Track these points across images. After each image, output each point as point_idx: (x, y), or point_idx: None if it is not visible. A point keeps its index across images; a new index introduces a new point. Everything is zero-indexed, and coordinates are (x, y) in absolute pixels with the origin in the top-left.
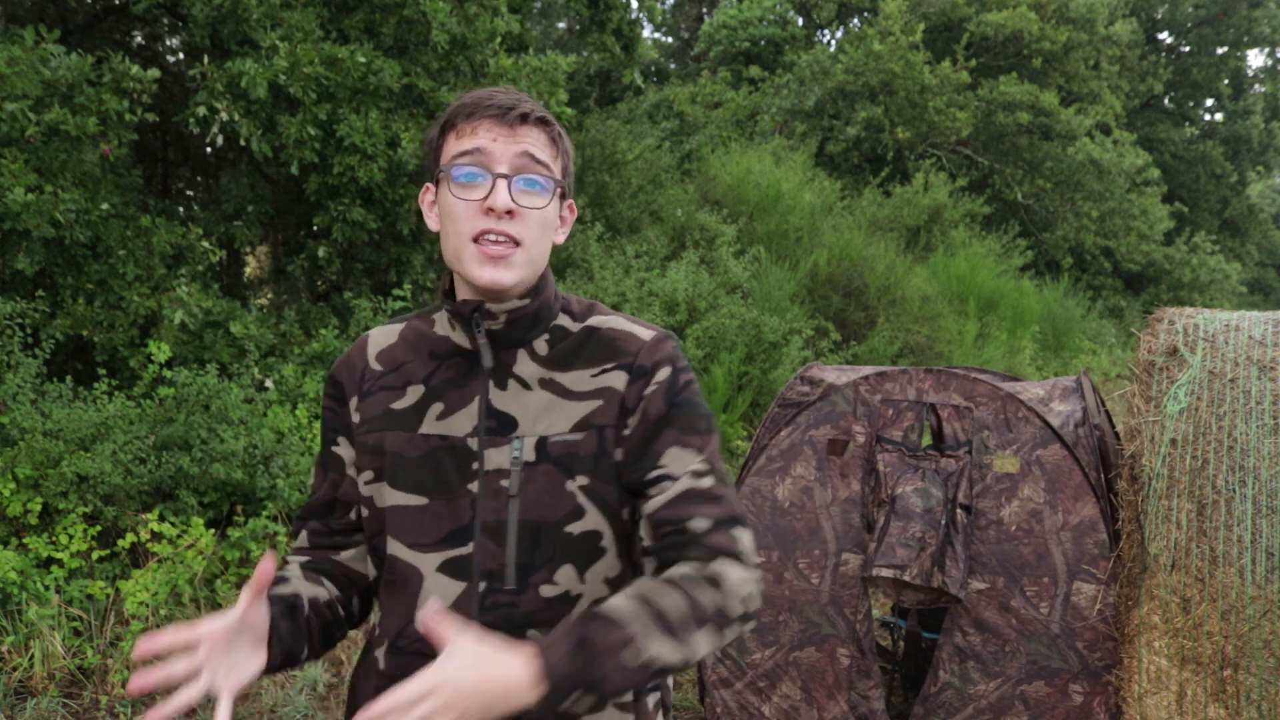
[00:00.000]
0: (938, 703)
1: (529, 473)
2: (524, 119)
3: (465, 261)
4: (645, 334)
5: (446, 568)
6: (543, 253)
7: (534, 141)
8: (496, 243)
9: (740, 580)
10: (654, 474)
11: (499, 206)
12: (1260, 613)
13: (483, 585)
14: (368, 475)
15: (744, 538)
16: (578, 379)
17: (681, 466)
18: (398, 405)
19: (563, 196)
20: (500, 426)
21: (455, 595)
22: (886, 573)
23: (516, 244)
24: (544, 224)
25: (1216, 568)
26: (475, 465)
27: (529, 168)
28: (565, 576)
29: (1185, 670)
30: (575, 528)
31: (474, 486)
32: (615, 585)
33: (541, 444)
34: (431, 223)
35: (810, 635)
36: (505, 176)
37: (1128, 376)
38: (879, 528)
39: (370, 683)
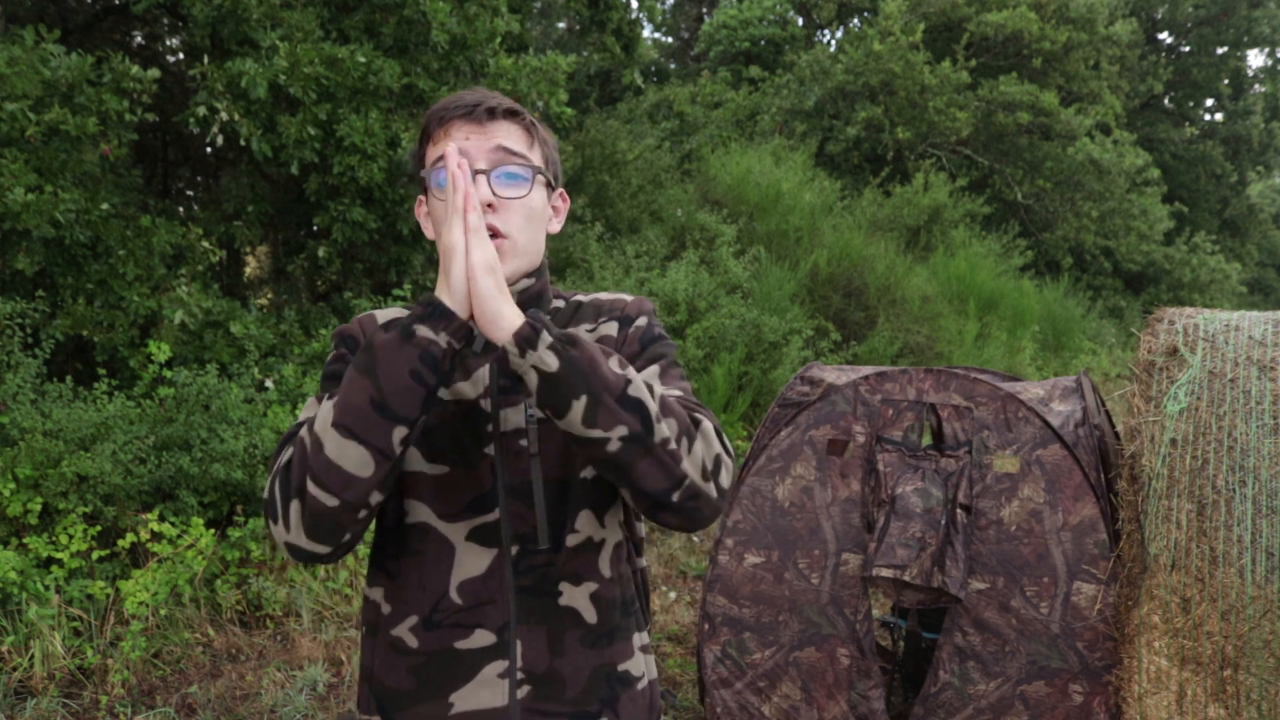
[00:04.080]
0: (938, 703)
1: (545, 429)
2: (492, 114)
3: None
4: (628, 297)
5: (475, 536)
6: (532, 242)
7: (506, 134)
8: None
9: (710, 429)
10: None
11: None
12: (1260, 613)
13: (515, 549)
14: None
15: (706, 419)
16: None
17: (652, 377)
18: None
19: (549, 186)
20: (514, 385)
21: (487, 563)
22: (886, 573)
23: (502, 237)
24: (529, 214)
25: (1216, 568)
26: (490, 427)
27: (505, 160)
28: (585, 522)
29: (1185, 670)
30: (589, 472)
31: (490, 450)
32: (630, 526)
33: None
34: (428, 232)
35: (810, 635)
36: (483, 172)
37: (1128, 376)
38: (879, 528)
39: (401, 664)
